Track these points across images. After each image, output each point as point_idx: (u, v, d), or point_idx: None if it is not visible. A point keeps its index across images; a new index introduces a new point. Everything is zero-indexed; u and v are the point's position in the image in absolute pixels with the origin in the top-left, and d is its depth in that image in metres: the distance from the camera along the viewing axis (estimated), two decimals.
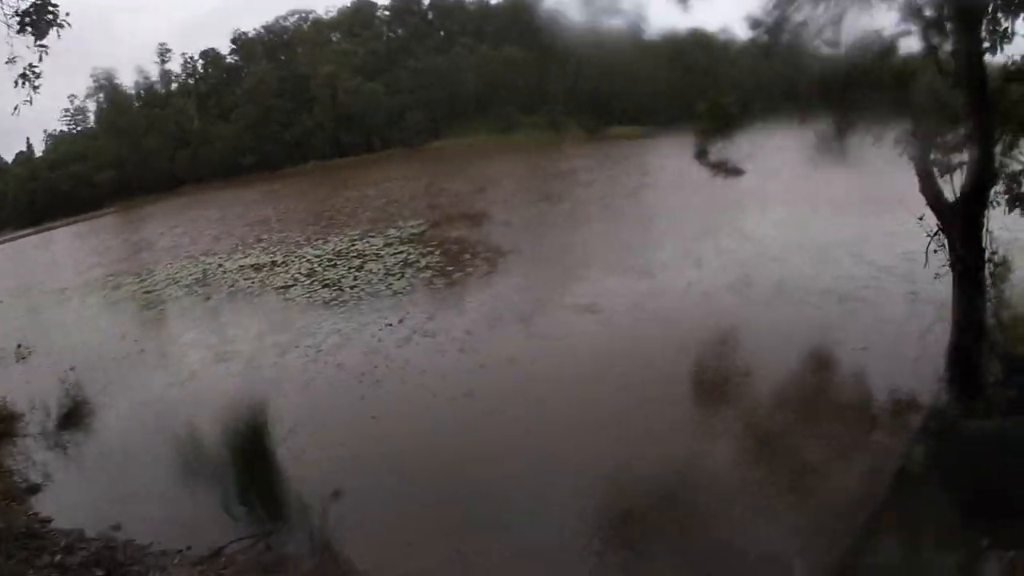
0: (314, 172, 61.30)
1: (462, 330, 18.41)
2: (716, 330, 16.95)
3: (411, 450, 12.53)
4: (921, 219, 11.80)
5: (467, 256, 26.05)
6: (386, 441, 13.00)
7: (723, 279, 20.08)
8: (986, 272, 11.35)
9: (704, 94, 14.87)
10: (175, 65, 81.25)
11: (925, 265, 11.98)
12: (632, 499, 10.82)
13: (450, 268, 24.73)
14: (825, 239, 22.45)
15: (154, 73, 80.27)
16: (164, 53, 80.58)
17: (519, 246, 27.13)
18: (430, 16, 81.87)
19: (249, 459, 11.33)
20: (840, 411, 12.58)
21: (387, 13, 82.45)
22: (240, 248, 32.33)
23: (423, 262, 25.81)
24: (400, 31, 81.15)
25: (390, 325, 19.37)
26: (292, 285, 24.32)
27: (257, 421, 11.92)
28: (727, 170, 13.73)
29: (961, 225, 11.04)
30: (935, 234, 11.66)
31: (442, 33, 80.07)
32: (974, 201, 10.85)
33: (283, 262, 27.49)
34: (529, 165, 50.53)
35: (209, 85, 78.85)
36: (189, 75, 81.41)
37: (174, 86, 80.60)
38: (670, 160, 41.62)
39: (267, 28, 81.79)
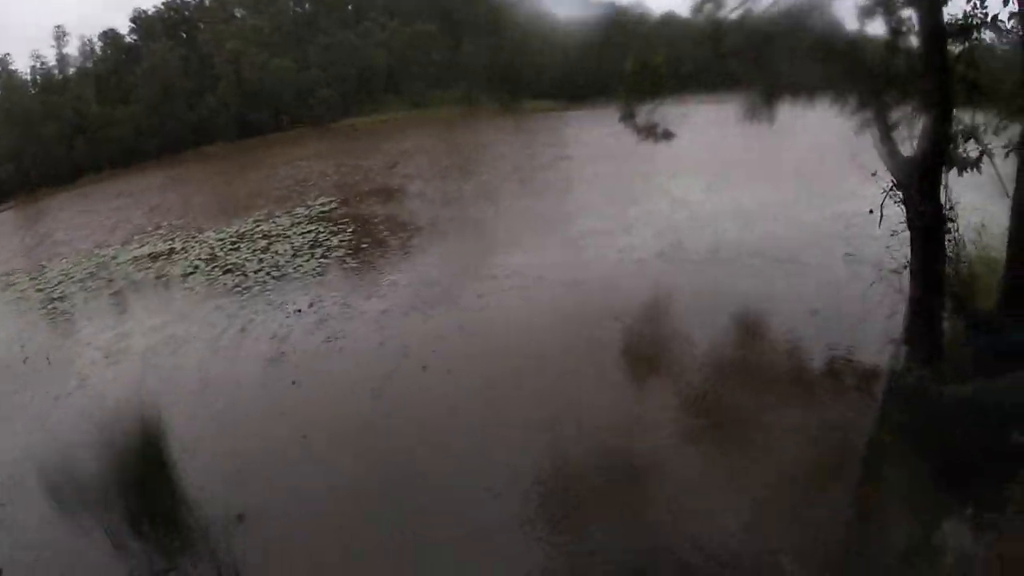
0: (219, 154, 57.57)
1: (378, 311, 16.81)
2: (653, 297, 15.93)
3: (331, 440, 11.11)
4: (875, 175, 11.18)
5: (382, 232, 24.36)
6: (299, 436, 11.37)
7: (655, 245, 19.14)
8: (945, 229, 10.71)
9: (636, 55, 13.95)
10: (73, 48, 76.05)
11: (879, 223, 11.23)
12: (580, 480, 9.61)
13: (364, 245, 23.01)
14: (757, 203, 21.80)
15: (51, 57, 75.00)
16: (61, 36, 75.10)
17: (436, 220, 25.58)
18: None
19: (144, 480, 9.72)
20: (794, 380, 11.67)
21: None
22: (137, 237, 29.62)
23: (334, 240, 23.93)
24: (307, 6, 77.66)
25: (299, 311, 17.60)
26: (191, 272, 22.11)
27: (151, 432, 10.28)
28: (656, 134, 13.23)
29: (919, 181, 10.34)
30: (890, 190, 10.96)
31: (351, 8, 77.00)
32: (933, 156, 10.17)
33: (182, 248, 25.15)
34: (444, 139, 48.73)
35: (108, 67, 73.69)
36: (87, 58, 76.35)
37: (72, 70, 75.45)
38: (590, 131, 41.10)
39: (167, 4, 77.22)
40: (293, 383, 13.61)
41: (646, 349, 13.97)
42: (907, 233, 11.16)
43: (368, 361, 14.08)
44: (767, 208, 21.13)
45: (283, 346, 15.43)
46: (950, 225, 10.86)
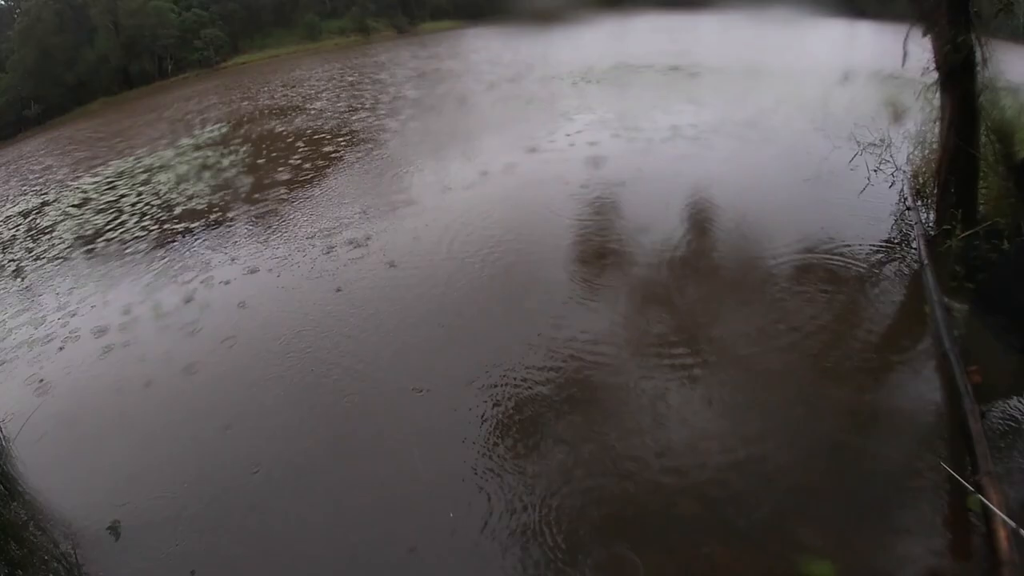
0: (102, 109, 50.70)
1: (282, 236, 13.18)
2: (617, 182, 12.93)
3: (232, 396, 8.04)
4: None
5: (280, 148, 20.30)
6: (187, 402, 8.18)
7: (605, 132, 16.48)
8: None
9: None
10: None
11: (903, 64, 8.61)
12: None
13: (260, 162, 19.03)
14: (701, 91, 20.05)
15: None
16: None
17: (341, 129, 21.61)
18: None
19: None
20: (814, 252, 9.12)
21: None
22: (11, 199, 24.69)
23: (225, 162, 19.84)
24: None
25: (182, 234, 13.93)
26: (62, 220, 17.70)
27: None
28: None
29: (949, 11, 8.01)
30: (912, 28, 8.59)
31: None
32: None
33: (55, 199, 20.55)
34: (342, 64, 43.76)
35: None
36: None
37: None
38: (500, 44, 37.82)
39: None
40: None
41: (632, 241, 10.82)
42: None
43: (264, 295, 10.74)
44: (713, 90, 19.53)
45: (162, 290, 11.67)
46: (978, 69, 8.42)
